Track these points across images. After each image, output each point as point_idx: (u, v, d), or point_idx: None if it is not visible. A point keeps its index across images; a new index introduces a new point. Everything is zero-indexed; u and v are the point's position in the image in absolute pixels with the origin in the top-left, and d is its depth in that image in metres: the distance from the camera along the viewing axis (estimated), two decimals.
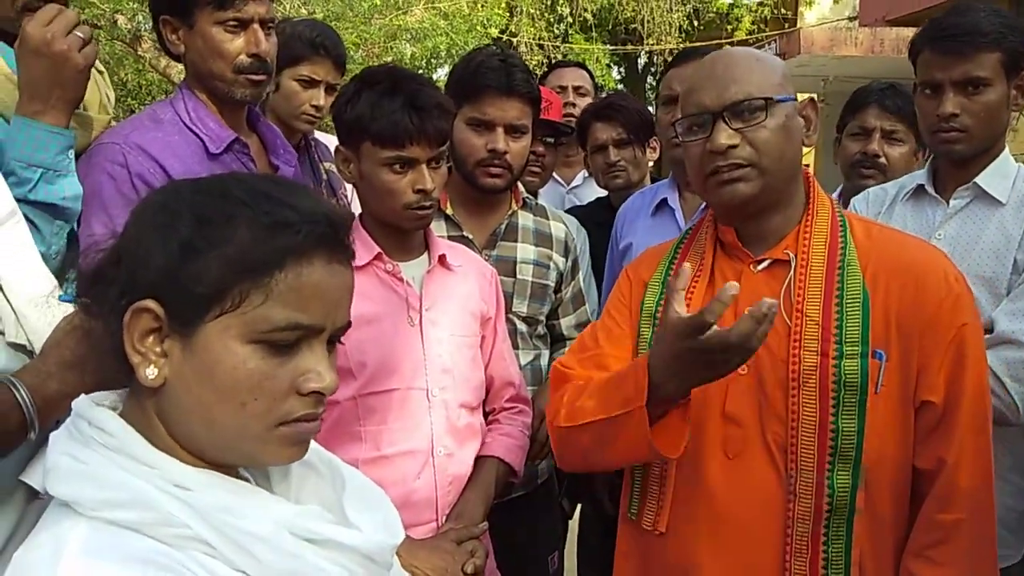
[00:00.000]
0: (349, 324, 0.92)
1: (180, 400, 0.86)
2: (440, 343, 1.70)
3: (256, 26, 1.75)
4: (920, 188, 2.01)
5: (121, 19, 8.26)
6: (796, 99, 1.46)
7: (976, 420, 1.38)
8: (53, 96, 1.47)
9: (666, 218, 2.35)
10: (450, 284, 1.77)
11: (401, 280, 1.71)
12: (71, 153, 1.54)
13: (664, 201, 2.35)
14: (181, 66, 1.87)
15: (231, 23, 1.73)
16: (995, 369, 1.72)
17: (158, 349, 0.85)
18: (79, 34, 1.49)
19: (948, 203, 1.95)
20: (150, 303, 0.84)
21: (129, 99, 13.24)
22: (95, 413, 0.87)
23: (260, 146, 1.95)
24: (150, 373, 0.85)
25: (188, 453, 0.88)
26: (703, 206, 2.22)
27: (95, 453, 0.84)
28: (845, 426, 1.35)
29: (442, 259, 1.76)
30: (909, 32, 10.86)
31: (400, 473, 1.64)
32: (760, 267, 1.47)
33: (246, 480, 0.94)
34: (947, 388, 1.37)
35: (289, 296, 0.84)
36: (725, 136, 1.39)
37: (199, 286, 0.83)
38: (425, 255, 1.78)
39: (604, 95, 3.41)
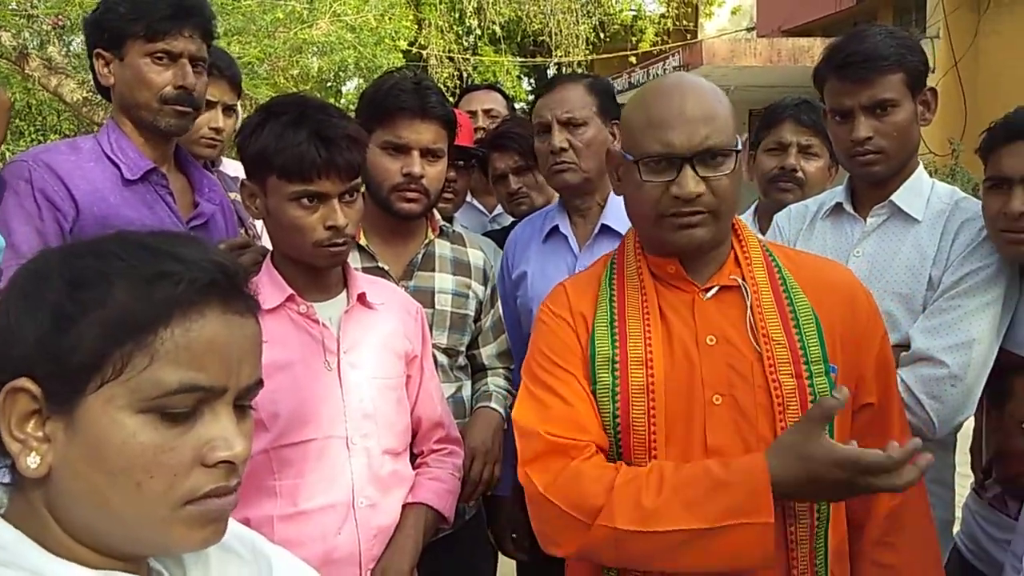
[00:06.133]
0: (260, 382, 0.83)
1: (68, 488, 0.75)
2: (360, 387, 1.60)
3: (185, 61, 1.81)
4: (839, 206, 2.02)
5: (5, 36, 7.79)
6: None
7: (903, 417, 1.52)
8: None
9: (559, 245, 2.28)
10: (371, 323, 1.67)
11: (316, 322, 1.60)
12: None
13: (556, 228, 2.29)
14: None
15: (159, 55, 1.79)
16: (911, 386, 1.74)
17: (39, 434, 0.74)
18: None
19: (865, 221, 1.97)
20: (25, 382, 0.73)
21: (17, 120, 12.56)
22: None
23: (187, 185, 1.97)
24: (31, 462, 0.74)
25: (89, 549, 0.77)
26: (596, 232, 2.19)
27: None
28: None
29: (362, 297, 1.66)
30: (804, 42, 11.28)
31: (320, 529, 1.53)
32: (709, 295, 1.42)
33: (159, 572, 0.83)
34: (879, 392, 1.46)
35: (180, 355, 0.75)
36: (694, 184, 1.33)
37: (75, 356, 0.73)
38: (343, 294, 1.68)
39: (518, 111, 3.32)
